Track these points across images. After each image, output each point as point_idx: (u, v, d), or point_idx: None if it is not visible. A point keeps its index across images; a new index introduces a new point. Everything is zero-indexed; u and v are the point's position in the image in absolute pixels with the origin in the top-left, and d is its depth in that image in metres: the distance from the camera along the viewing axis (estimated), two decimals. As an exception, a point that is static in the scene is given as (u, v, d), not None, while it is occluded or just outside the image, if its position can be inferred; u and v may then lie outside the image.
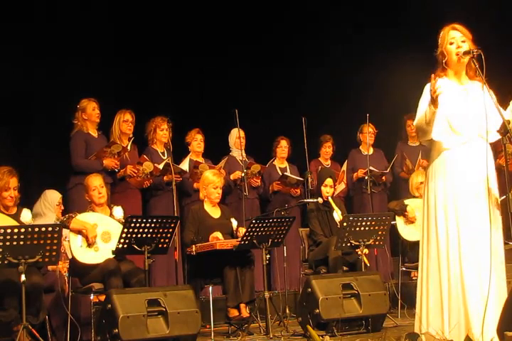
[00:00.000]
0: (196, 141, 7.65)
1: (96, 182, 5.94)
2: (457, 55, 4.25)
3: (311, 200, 7.14)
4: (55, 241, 4.99)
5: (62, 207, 6.59)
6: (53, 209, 6.50)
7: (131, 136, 7.18)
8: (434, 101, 4.10)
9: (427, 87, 4.25)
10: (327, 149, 8.58)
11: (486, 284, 4.06)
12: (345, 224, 6.20)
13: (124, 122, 7.13)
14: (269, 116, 8.87)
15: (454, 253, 4.18)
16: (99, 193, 5.91)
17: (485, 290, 4.06)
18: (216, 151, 8.02)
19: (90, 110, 6.96)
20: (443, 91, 4.10)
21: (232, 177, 7.71)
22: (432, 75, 4.13)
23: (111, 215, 5.90)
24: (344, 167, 8.36)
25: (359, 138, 8.58)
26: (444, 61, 4.30)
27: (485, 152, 4.23)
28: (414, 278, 8.06)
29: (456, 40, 4.28)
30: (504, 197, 4.13)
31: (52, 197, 6.53)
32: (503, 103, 4.27)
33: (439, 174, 4.28)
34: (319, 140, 8.60)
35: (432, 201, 4.29)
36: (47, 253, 4.98)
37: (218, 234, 6.20)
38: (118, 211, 5.91)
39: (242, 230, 6.21)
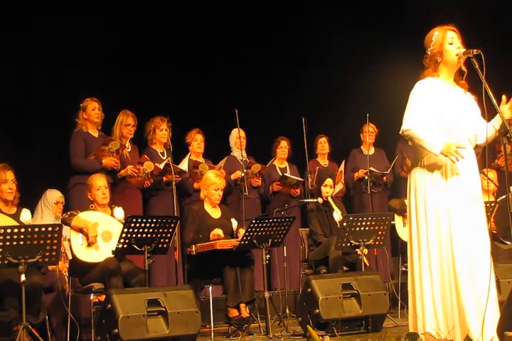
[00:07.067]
0: (196, 141, 7.63)
1: (100, 183, 5.93)
2: (457, 55, 4.24)
3: (311, 200, 7.14)
4: (55, 241, 4.99)
5: (62, 207, 6.61)
6: (51, 207, 6.53)
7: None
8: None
9: (422, 84, 4.28)
10: (323, 144, 8.48)
11: (481, 285, 4.07)
12: (345, 224, 6.21)
13: (126, 126, 7.12)
14: (269, 116, 8.87)
15: (448, 255, 4.21)
16: (102, 194, 5.90)
17: (479, 290, 4.07)
18: (216, 151, 8.02)
19: (90, 110, 6.94)
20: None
21: (232, 177, 7.70)
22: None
23: (112, 216, 5.90)
24: (342, 167, 8.34)
25: (361, 138, 8.56)
26: (439, 61, 4.29)
27: (473, 155, 4.26)
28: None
29: (454, 40, 4.28)
30: (504, 196, 4.14)
31: (51, 196, 6.58)
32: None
33: (429, 177, 4.26)
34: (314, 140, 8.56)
35: (422, 204, 4.28)
36: (47, 253, 4.99)
37: (219, 231, 6.19)
38: (119, 212, 5.91)
39: (242, 231, 6.21)
